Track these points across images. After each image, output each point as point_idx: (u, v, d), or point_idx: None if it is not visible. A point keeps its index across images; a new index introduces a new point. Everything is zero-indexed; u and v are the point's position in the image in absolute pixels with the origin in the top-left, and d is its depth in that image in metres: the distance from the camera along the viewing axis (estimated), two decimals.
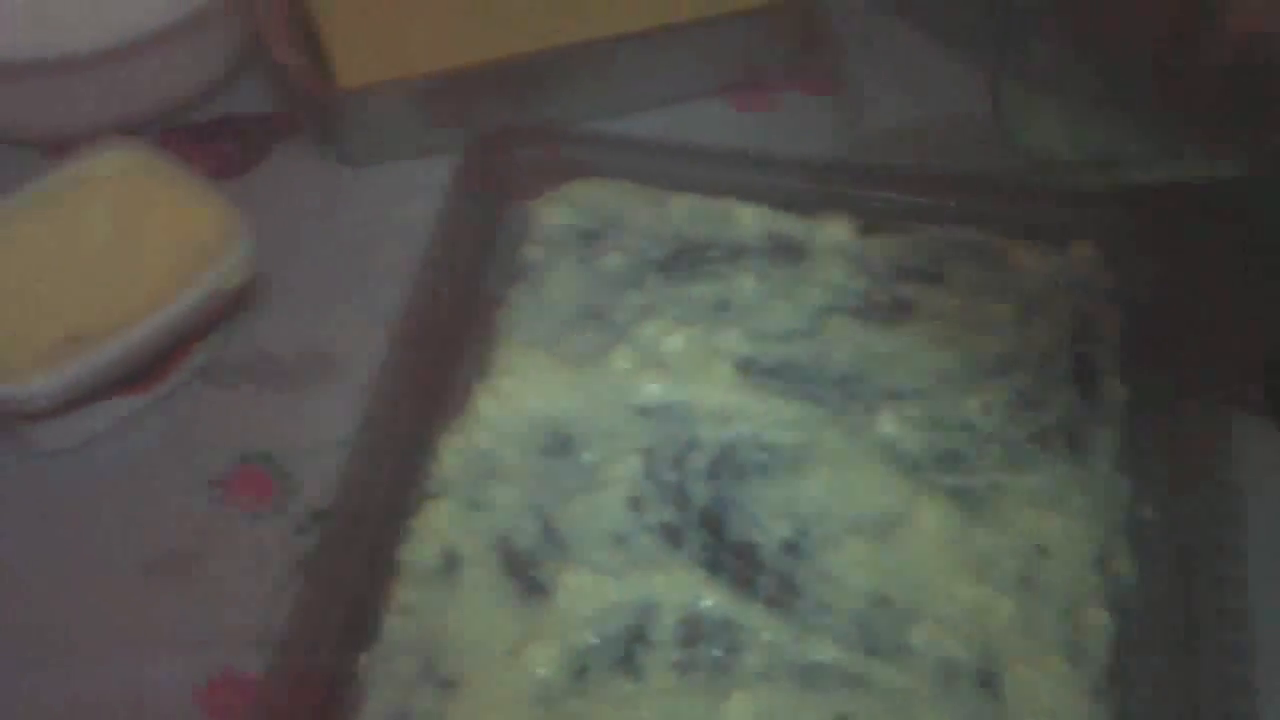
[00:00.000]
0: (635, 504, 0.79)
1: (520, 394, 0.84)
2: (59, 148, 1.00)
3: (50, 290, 0.88)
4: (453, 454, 0.81)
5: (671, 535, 0.78)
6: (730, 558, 0.77)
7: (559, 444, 0.82)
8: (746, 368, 0.85)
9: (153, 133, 1.05)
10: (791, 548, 0.78)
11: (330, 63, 1.02)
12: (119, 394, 0.86)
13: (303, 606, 0.76)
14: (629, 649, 0.75)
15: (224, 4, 1.02)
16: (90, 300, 0.88)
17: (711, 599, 0.76)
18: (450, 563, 0.78)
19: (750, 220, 0.93)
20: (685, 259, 0.92)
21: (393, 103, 1.01)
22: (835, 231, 0.92)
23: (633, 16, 1.04)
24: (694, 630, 0.75)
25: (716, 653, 0.74)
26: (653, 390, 0.84)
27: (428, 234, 0.94)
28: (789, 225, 0.93)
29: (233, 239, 0.88)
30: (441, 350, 0.87)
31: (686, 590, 0.76)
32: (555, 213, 0.94)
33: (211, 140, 1.06)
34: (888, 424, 0.82)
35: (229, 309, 0.90)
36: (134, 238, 0.91)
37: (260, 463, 0.86)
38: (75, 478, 0.85)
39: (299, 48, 1.02)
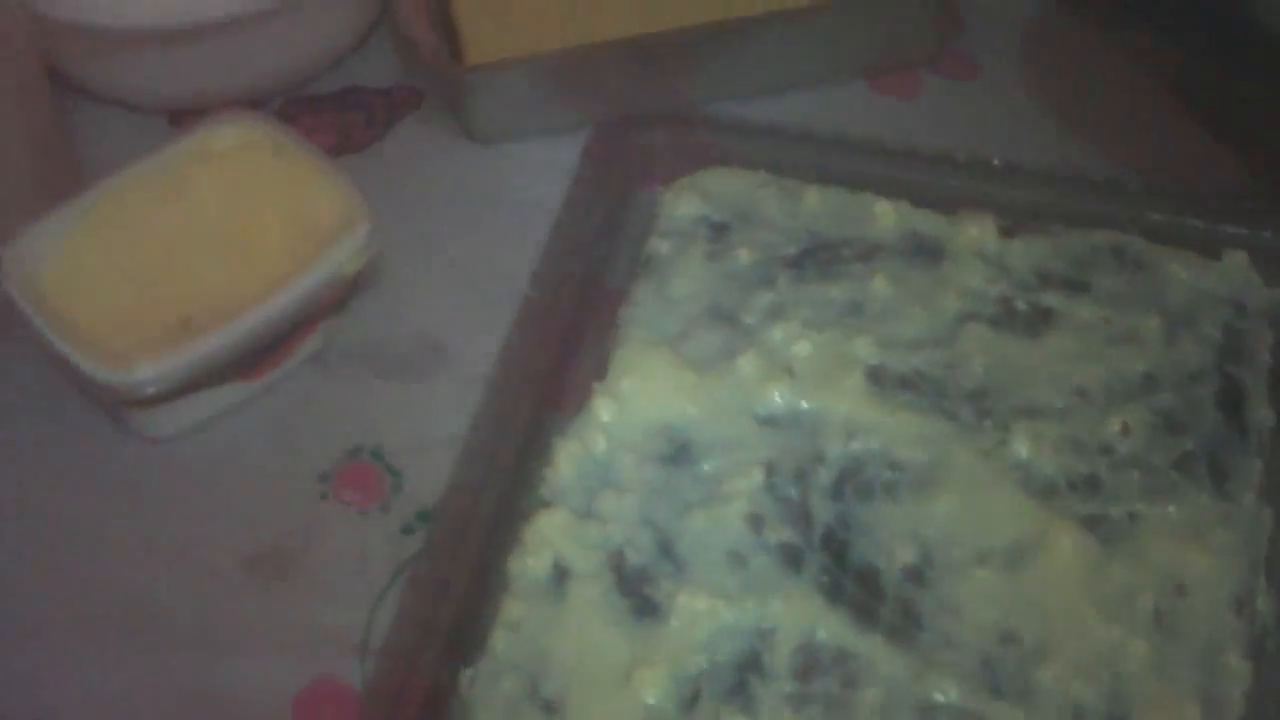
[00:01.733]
0: (755, 521, 0.76)
1: (640, 398, 0.81)
2: (183, 115, 0.99)
3: (163, 270, 0.86)
4: (567, 460, 0.78)
5: (791, 557, 0.75)
6: (851, 584, 0.74)
7: (678, 452, 0.79)
8: (877, 378, 0.82)
9: (275, 103, 1.02)
10: (915, 575, 0.74)
11: (460, 38, 0.99)
12: (229, 381, 0.83)
13: (406, 615, 0.73)
14: (742, 678, 0.72)
15: None
16: (203, 281, 0.85)
17: (829, 628, 0.72)
18: (560, 576, 0.75)
19: (888, 216, 0.90)
20: (818, 257, 0.88)
21: (523, 80, 0.99)
22: (976, 232, 0.88)
23: None
24: (810, 661, 0.72)
25: (833, 687, 0.71)
26: (778, 399, 0.81)
27: (552, 218, 0.91)
28: (927, 223, 0.89)
29: (352, 222, 0.86)
30: (560, 347, 0.84)
31: (804, 618, 0.73)
32: (684, 203, 0.90)
33: (336, 111, 1.03)
34: (1022, 444, 0.78)
35: (345, 295, 0.87)
36: (251, 216, 0.88)
37: (370, 458, 0.83)
38: (181, 466, 0.84)
39: (429, 22, 0.99)
